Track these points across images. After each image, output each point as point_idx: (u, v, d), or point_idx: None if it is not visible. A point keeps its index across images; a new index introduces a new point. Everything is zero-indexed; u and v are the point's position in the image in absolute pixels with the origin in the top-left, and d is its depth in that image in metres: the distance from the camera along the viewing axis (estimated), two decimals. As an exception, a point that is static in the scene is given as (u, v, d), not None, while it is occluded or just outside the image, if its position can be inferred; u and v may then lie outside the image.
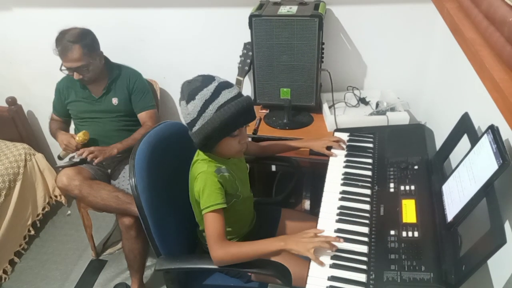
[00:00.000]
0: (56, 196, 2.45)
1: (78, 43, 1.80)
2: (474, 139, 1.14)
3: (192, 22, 2.01)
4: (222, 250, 1.18)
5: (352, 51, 1.92)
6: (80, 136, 1.93)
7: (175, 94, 2.25)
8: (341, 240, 1.16)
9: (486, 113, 1.18)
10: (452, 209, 1.12)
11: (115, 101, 1.98)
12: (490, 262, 1.02)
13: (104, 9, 2.04)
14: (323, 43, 1.74)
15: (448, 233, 1.10)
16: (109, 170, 2.06)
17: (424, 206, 1.22)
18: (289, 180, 1.94)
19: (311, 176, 1.93)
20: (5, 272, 2.14)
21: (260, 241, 1.20)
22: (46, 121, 2.42)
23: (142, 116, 2.03)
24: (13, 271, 2.19)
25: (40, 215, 2.37)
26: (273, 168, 1.90)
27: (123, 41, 2.11)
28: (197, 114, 1.16)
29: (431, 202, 1.23)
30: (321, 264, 1.11)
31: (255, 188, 1.52)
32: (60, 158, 2.01)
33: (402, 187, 1.30)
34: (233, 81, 1.76)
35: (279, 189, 2.03)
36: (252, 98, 1.88)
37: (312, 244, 1.14)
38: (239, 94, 1.19)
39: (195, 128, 1.19)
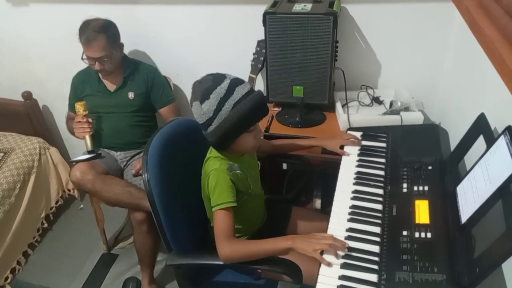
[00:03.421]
0: (69, 190, 2.48)
1: (103, 33, 1.82)
2: (490, 140, 1.12)
3: (205, 19, 2.02)
4: (230, 247, 1.19)
5: (367, 50, 1.91)
6: (79, 109, 1.93)
7: (188, 91, 2.26)
8: (346, 249, 1.14)
9: (503, 114, 1.17)
10: (466, 210, 1.10)
11: (131, 95, 2.00)
12: (505, 265, 1.00)
13: (117, 5, 2.05)
14: (337, 41, 1.73)
15: (461, 235, 1.09)
16: (122, 165, 2.08)
17: (438, 207, 1.21)
18: (300, 178, 1.94)
19: (322, 174, 1.92)
20: (19, 263, 2.17)
21: (268, 239, 1.20)
22: (60, 116, 2.46)
23: (164, 111, 2.05)
24: (27, 262, 2.23)
25: (53, 208, 2.40)
26: (284, 166, 1.90)
27: (136, 38, 2.12)
28: (213, 113, 1.16)
29: (445, 203, 1.21)
30: (329, 265, 1.11)
31: (266, 185, 1.52)
32: (89, 152, 1.97)
33: (415, 188, 1.29)
34: (246, 79, 1.76)
35: (289, 187, 2.03)
36: (265, 95, 1.88)
37: (319, 246, 1.13)
38: (252, 90, 1.20)
39: (211, 128, 1.18)
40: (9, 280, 2.10)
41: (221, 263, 1.20)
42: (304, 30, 1.70)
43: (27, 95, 2.38)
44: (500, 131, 1.05)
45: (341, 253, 1.13)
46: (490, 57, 1.12)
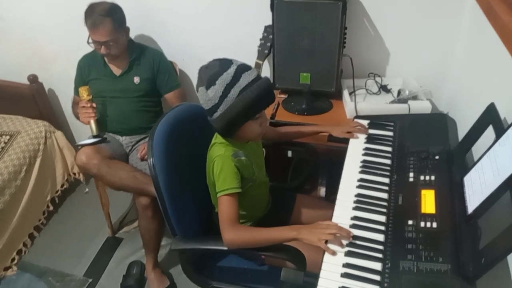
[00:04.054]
0: (74, 174, 2.49)
1: (109, 17, 1.81)
2: (500, 131, 1.11)
3: (212, 4, 1.99)
4: (234, 233, 1.19)
5: (375, 37, 1.88)
6: (83, 94, 1.94)
7: (194, 76, 2.24)
8: (352, 233, 1.15)
9: (513, 104, 1.15)
10: (473, 201, 1.09)
11: (136, 79, 1.99)
12: (510, 256, 1.00)
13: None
14: (345, 28, 1.70)
15: (467, 225, 1.08)
16: (127, 150, 2.08)
17: (444, 197, 1.20)
18: (305, 166, 1.93)
19: (327, 162, 1.91)
20: (25, 245, 2.20)
21: (273, 228, 1.20)
22: (66, 99, 2.46)
23: (170, 96, 2.04)
24: (33, 244, 2.25)
25: (59, 192, 2.41)
26: (289, 154, 1.89)
27: (142, 22, 2.10)
28: (219, 99, 1.15)
29: (451, 193, 1.20)
30: (333, 253, 1.11)
31: (271, 173, 1.52)
32: (94, 137, 1.97)
33: (421, 177, 1.28)
34: (252, 65, 1.74)
35: (294, 174, 2.02)
36: (271, 82, 1.86)
37: (324, 236, 1.13)
38: (259, 76, 1.18)
39: (216, 114, 1.17)
40: (15, 261, 2.13)
41: (225, 248, 1.21)
42: (312, 16, 1.67)
43: (33, 78, 2.37)
44: (510, 121, 1.03)
45: (345, 242, 1.13)
46: (506, 44, 1.10)
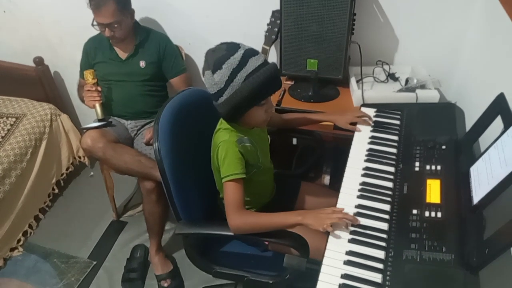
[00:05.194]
0: (80, 157, 2.50)
1: None
2: (509, 121, 1.10)
3: (220, -13, 1.97)
4: (240, 219, 1.19)
5: (384, 24, 1.85)
6: (88, 78, 1.94)
7: (200, 60, 2.23)
8: (358, 221, 1.15)
9: (523, 95, 1.13)
10: (478, 191, 1.09)
11: (142, 63, 1.98)
12: (515, 247, 0.99)
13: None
14: (354, 14, 1.68)
15: (472, 216, 1.08)
16: (133, 134, 2.08)
17: (450, 187, 1.19)
18: (310, 154, 1.93)
19: (333, 150, 1.91)
20: (30, 227, 2.22)
21: (278, 213, 1.20)
22: (72, 82, 2.46)
23: (176, 81, 2.03)
24: (38, 226, 2.27)
25: (64, 175, 2.43)
26: (294, 141, 1.89)
27: (148, 5, 2.09)
28: (225, 84, 1.14)
29: (457, 184, 1.20)
30: (338, 236, 1.11)
31: (275, 160, 1.51)
32: (99, 120, 1.97)
33: (427, 167, 1.27)
34: (259, 50, 1.72)
35: (299, 162, 2.02)
36: (278, 68, 1.85)
37: (329, 220, 1.13)
38: (266, 62, 1.17)
39: (222, 99, 1.17)
40: (21, 243, 2.15)
41: (229, 233, 1.21)
42: (321, 1, 1.65)
43: (39, 61, 2.37)
44: (520, 112, 1.02)
45: (351, 228, 1.13)
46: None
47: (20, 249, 2.14)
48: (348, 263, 1.06)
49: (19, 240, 2.15)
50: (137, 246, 2.11)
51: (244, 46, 1.17)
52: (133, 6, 1.92)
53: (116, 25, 1.83)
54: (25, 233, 2.19)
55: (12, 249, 2.11)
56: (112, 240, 2.19)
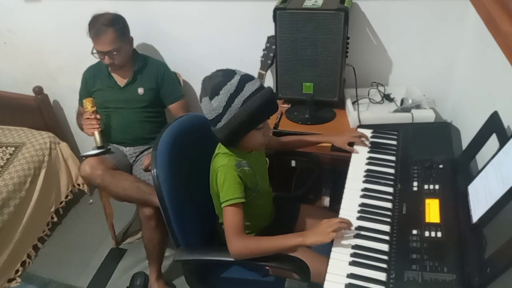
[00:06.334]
0: (79, 185, 2.49)
1: (112, 27, 1.83)
2: (504, 139, 1.10)
3: (215, 15, 2.01)
4: (240, 243, 1.18)
5: (378, 46, 1.88)
6: (87, 106, 1.96)
7: (197, 86, 2.23)
8: (352, 224, 1.17)
9: (517, 112, 1.15)
10: (477, 210, 1.08)
11: (140, 90, 2.00)
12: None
13: (130, 1, 2.06)
14: (348, 38, 1.71)
15: (472, 235, 1.07)
16: (131, 161, 2.09)
17: (449, 206, 1.19)
18: (309, 176, 1.93)
19: (331, 172, 1.91)
20: (29, 256, 2.20)
21: (279, 236, 1.20)
22: (71, 110, 2.48)
23: (174, 107, 2.06)
24: (36, 256, 2.25)
25: (63, 203, 2.42)
26: (293, 163, 1.89)
27: (146, 33, 2.13)
28: (223, 109, 1.16)
29: (456, 202, 1.20)
30: (339, 260, 1.10)
31: (274, 182, 1.51)
32: (98, 148, 1.98)
33: (426, 186, 1.27)
34: (255, 75, 1.74)
35: (298, 184, 2.02)
36: (274, 92, 1.87)
37: (330, 228, 1.13)
38: (262, 86, 1.19)
39: (220, 124, 1.18)
40: (19, 273, 2.12)
41: (229, 259, 1.20)
42: (314, 26, 1.68)
43: (39, 90, 2.39)
44: (514, 129, 1.03)
45: (357, 242, 1.13)
46: (506, 54, 1.10)
47: (18, 279, 2.11)
48: (349, 286, 1.04)
49: (17, 271, 2.12)
50: (137, 273, 2.08)
51: (240, 72, 1.20)
52: (131, 34, 1.96)
53: (115, 53, 1.87)
54: (23, 263, 2.16)
55: (10, 280, 2.08)
56: (111, 268, 2.16)
